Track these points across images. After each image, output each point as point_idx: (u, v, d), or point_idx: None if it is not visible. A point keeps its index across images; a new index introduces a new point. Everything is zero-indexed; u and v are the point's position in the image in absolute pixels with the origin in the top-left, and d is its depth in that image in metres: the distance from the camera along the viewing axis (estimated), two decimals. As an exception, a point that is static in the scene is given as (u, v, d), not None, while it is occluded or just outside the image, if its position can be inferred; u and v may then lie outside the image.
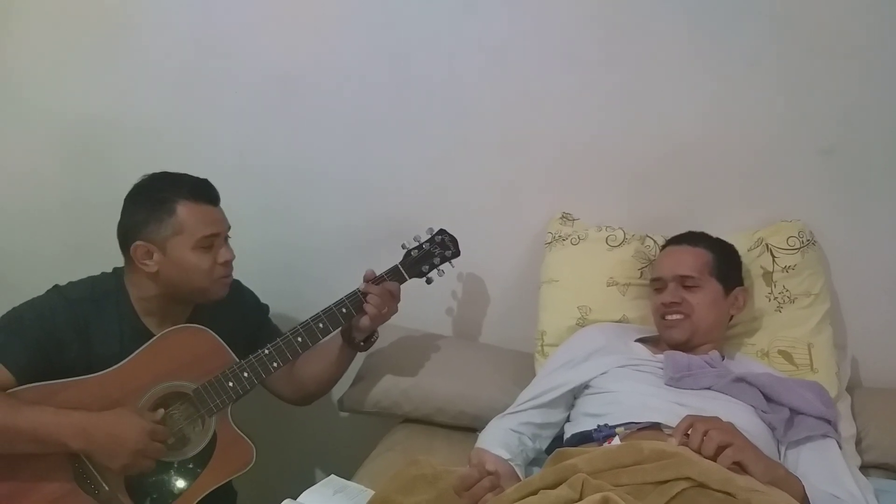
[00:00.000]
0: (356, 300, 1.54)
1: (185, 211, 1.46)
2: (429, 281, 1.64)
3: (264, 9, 1.85)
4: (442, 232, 1.66)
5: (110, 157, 1.96)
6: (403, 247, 1.63)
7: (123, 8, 1.90)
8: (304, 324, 1.52)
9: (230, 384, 1.48)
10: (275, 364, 1.50)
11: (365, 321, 1.54)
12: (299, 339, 1.52)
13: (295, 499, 1.31)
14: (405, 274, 1.61)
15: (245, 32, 1.87)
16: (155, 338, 1.47)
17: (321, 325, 1.53)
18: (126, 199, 1.50)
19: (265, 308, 1.72)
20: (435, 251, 1.63)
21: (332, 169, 1.91)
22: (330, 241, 1.94)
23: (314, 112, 1.89)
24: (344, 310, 1.54)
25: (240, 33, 1.87)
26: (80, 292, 1.49)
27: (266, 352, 1.50)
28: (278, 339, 1.51)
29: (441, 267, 1.65)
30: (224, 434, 1.49)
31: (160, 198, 1.46)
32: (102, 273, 1.55)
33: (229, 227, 1.54)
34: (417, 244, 1.63)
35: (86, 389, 1.43)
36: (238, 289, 1.66)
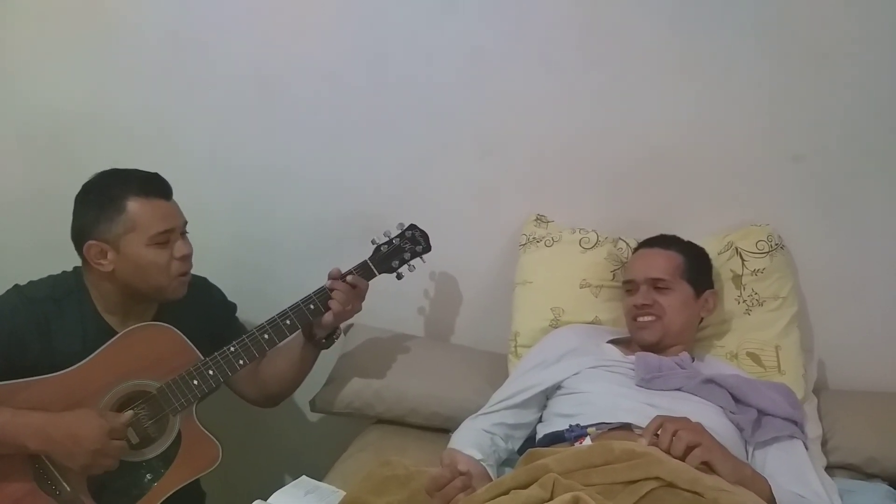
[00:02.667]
0: (324, 296, 1.53)
1: (136, 207, 1.43)
2: (399, 276, 1.63)
3: (241, 6, 1.84)
4: (412, 227, 1.64)
5: (80, 152, 1.93)
6: (373, 242, 1.62)
7: (100, 3, 1.87)
8: (271, 320, 1.50)
9: (195, 382, 1.45)
10: (241, 361, 1.48)
11: (328, 317, 1.53)
12: (266, 335, 1.49)
13: (265, 500, 1.30)
14: (374, 269, 1.59)
15: (221, 30, 1.85)
16: (117, 336, 1.44)
17: (288, 322, 1.50)
18: (76, 200, 1.47)
19: (232, 306, 1.70)
20: (405, 246, 1.62)
21: (307, 168, 1.90)
22: (303, 240, 1.93)
23: (290, 111, 1.88)
24: (312, 306, 1.52)
25: (216, 30, 1.85)
26: (41, 291, 1.47)
27: (232, 349, 1.48)
28: (244, 336, 1.49)
29: (412, 262, 1.63)
30: (189, 433, 1.47)
31: (109, 195, 1.43)
32: (63, 272, 1.52)
33: (185, 222, 1.51)
34: (387, 239, 1.62)
35: (47, 389, 1.40)
36: (205, 286, 1.64)
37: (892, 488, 1.50)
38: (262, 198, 1.93)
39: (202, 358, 1.47)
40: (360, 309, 1.58)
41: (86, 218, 1.45)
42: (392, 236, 1.62)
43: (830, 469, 1.54)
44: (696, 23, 1.70)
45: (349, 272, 1.56)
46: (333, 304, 1.52)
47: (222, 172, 1.91)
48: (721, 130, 1.75)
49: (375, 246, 1.61)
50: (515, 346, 1.74)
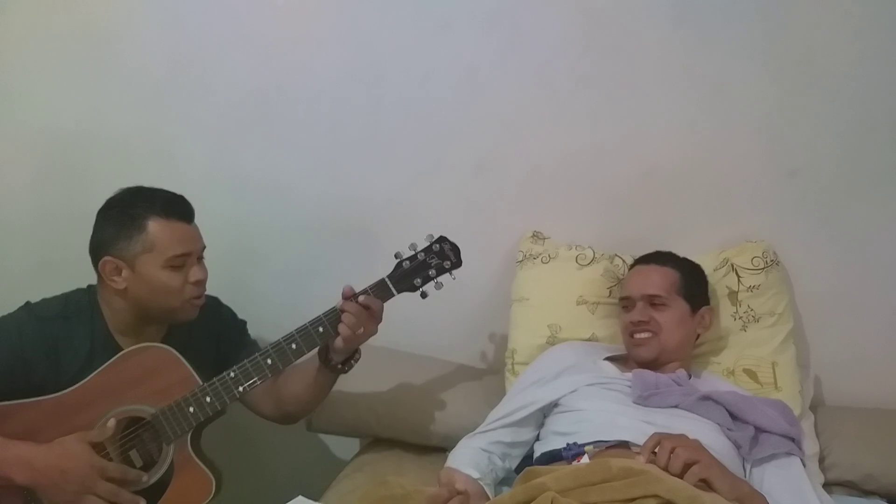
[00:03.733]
0: (334, 318, 1.42)
1: (156, 228, 1.41)
2: (423, 295, 1.46)
3: (239, 26, 1.85)
4: (442, 239, 1.48)
5: (81, 169, 1.93)
6: (396, 256, 1.46)
7: (97, 21, 1.89)
8: (276, 344, 1.42)
9: (191, 409, 1.39)
10: (240, 388, 1.40)
11: (338, 342, 1.41)
12: (269, 360, 1.41)
13: (262, 519, 1.29)
14: (392, 288, 1.44)
15: (219, 48, 1.86)
16: (115, 357, 1.41)
17: (294, 346, 1.41)
18: (98, 214, 1.46)
19: (241, 324, 1.66)
20: (431, 261, 1.46)
21: (303, 186, 1.91)
22: (300, 256, 1.93)
23: (287, 129, 1.89)
24: (321, 329, 1.42)
25: (214, 49, 1.86)
26: (52, 310, 1.45)
27: (231, 374, 1.41)
28: (245, 361, 1.41)
29: (439, 279, 1.47)
30: (182, 464, 1.40)
31: (131, 213, 1.42)
32: (76, 289, 1.51)
33: (204, 247, 1.49)
34: (412, 253, 1.46)
35: (41, 411, 1.38)
36: (215, 306, 1.62)
37: (889, 505, 1.51)
38: (260, 214, 1.93)
39: (200, 383, 1.41)
40: (374, 332, 1.45)
41: (105, 233, 1.43)
42: (418, 250, 1.47)
43: (828, 486, 1.54)
44: (690, 41, 1.72)
45: (363, 291, 1.44)
46: (342, 328, 1.40)
47: (220, 189, 1.91)
48: (716, 147, 1.76)
49: (398, 261, 1.46)
50: (512, 364, 1.74)
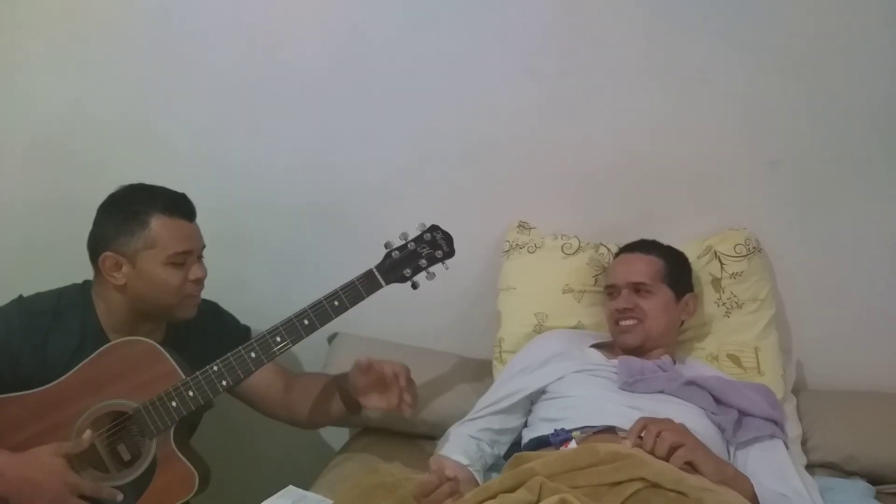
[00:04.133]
0: (320, 311, 1.40)
1: (158, 224, 1.41)
2: (414, 286, 1.43)
3: (225, 17, 1.84)
4: (434, 228, 1.44)
5: (67, 160, 1.91)
6: (386, 246, 1.43)
7: (83, 13, 1.86)
8: (259, 337, 1.40)
9: (173, 404, 1.36)
10: (224, 382, 1.38)
11: (373, 414, 1.40)
12: (252, 354, 1.39)
13: (253, 509, 1.30)
14: (381, 279, 1.41)
15: (205, 40, 1.85)
16: (97, 352, 1.39)
17: (279, 339, 1.39)
18: (99, 209, 1.45)
19: (244, 330, 1.64)
20: (423, 251, 1.42)
21: (290, 177, 1.90)
22: (285, 250, 1.93)
23: (273, 120, 1.88)
24: (306, 321, 1.39)
25: (200, 41, 1.85)
26: (43, 305, 1.44)
27: (215, 369, 1.38)
28: (229, 355, 1.39)
29: (431, 269, 1.44)
30: (165, 459, 1.38)
31: (134, 209, 1.41)
32: (71, 284, 1.50)
33: (204, 246, 1.48)
34: (402, 242, 1.43)
35: (23, 406, 1.38)
36: (216, 311, 1.60)
37: (870, 485, 1.53)
38: (246, 204, 1.93)
39: (183, 377, 1.38)
40: (410, 398, 1.42)
41: (106, 228, 1.42)
42: (408, 239, 1.43)
43: (810, 467, 1.57)
44: (673, 30, 1.74)
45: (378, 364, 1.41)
46: (371, 403, 1.40)
47: (206, 180, 1.89)
48: (699, 136, 1.78)
49: (387, 251, 1.43)
50: (500, 352, 1.76)
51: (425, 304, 1.91)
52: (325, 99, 1.86)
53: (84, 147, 1.91)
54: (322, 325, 1.40)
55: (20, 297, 1.46)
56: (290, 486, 1.40)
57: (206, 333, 1.54)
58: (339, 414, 1.52)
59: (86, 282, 1.50)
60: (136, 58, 1.87)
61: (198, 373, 1.39)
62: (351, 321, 1.87)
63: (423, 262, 1.43)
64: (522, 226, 1.85)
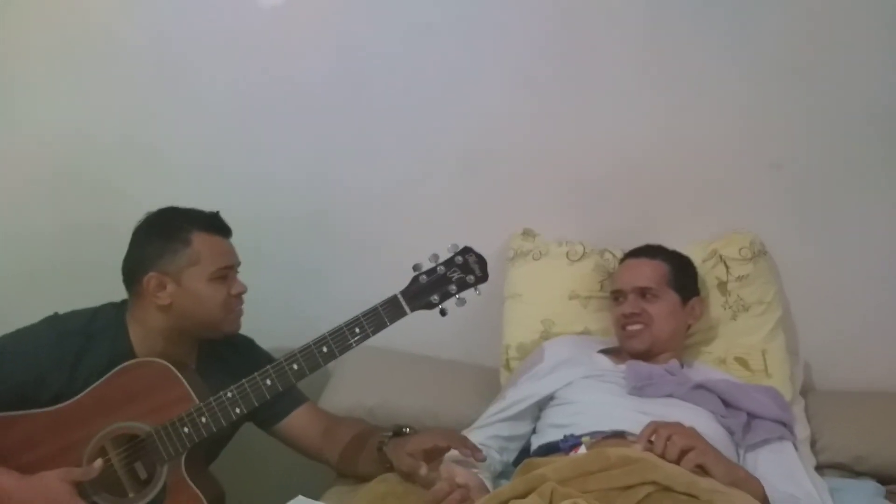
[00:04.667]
0: (339, 338, 1.34)
1: (200, 242, 1.42)
2: (443, 312, 1.35)
3: (225, 31, 1.86)
4: (466, 251, 1.35)
5: (67, 175, 1.92)
6: (415, 268, 1.34)
7: (83, 26, 1.88)
8: (276, 364, 1.36)
9: (185, 430, 1.34)
10: (237, 409, 1.34)
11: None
12: (268, 381, 1.35)
13: (262, 520, 1.30)
14: (406, 306, 1.33)
15: (205, 54, 1.86)
16: (112, 371, 1.38)
17: (295, 367, 1.35)
18: (137, 232, 1.46)
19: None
20: (453, 276, 1.33)
21: (292, 190, 1.91)
22: (289, 262, 1.93)
23: (274, 134, 1.89)
24: (325, 349, 1.34)
25: (200, 55, 1.86)
26: (76, 324, 1.43)
27: (229, 395, 1.35)
28: (244, 381, 1.36)
29: (461, 295, 1.35)
30: (174, 486, 1.36)
31: (175, 227, 1.43)
32: (108, 304, 1.49)
33: (240, 262, 1.50)
34: (432, 265, 1.34)
35: (38, 424, 1.37)
36: (250, 346, 1.59)
37: (880, 484, 1.53)
38: (247, 217, 1.90)
39: (197, 402, 1.36)
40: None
41: (148, 250, 1.43)
42: (438, 262, 1.34)
43: (820, 468, 1.56)
44: (669, 38, 1.76)
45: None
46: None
47: (206, 193, 1.88)
48: (699, 141, 1.79)
49: (415, 274, 1.34)
50: (507, 359, 1.76)
51: (431, 313, 1.92)
52: (325, 112, 1.87)
53: (83, 161, 1.92)
54: (341, 353, 1.35)
55: (55, 314, 1.46)
56: (300, 497, 1.40)
57: (235, 364, 1.50)
58: (371, 470, 1.42)
59: (123, 301, 1.49)
60: (137, 72, 1.89)
61: (211, 399, 1.36)
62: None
63: (453, 287, 1.34)
64: (527, 233, 1.86)
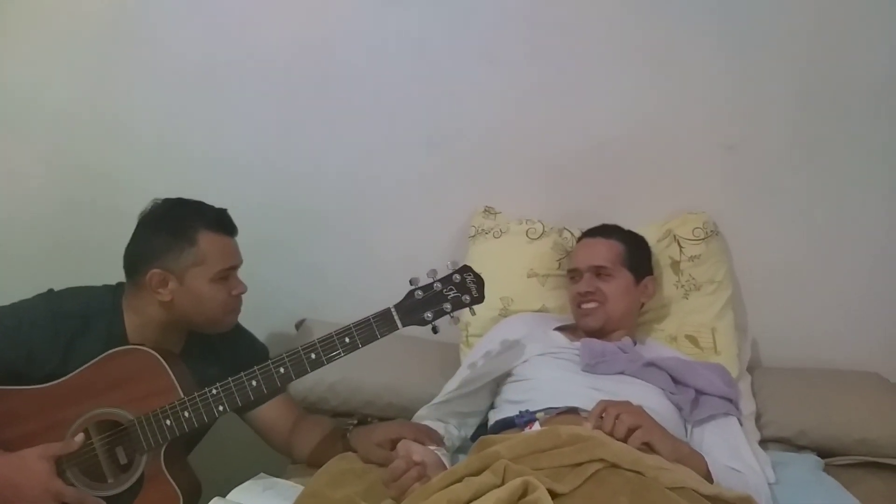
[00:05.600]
0: (329, 346, 1.33)
1: (205, 241, 1.41)
2: (435, 330, 1.34)
3: (185, 3, 1.82)
4: (465, 269, 1.34)
5: (20, 145, 1.88)
6: (411, 283, 1.34)
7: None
8: (263, 367, 1.35)
9: (167, 423, 1.34)
10: (220, 407, 1.35)
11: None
12: (254, 382, 1.34)
13: (224, 497, 1.31)
14: (398, 321, 1.33)
15: (167, 20, 1.83)
16: (102, 356, 1.37)
17: (282, 370, 1.34)
18: (142, 225, 1.44)
19: (261, 350, 1.60)
20: (449, 294, 1.32)
21: (252, 162, 1.90)
22: (249, 234, 1.91)
23: (236, 103, 1.87)
24: (313, 355, 1.33)
25: (160, 22, 1.83)
26: (72, 305, 1.41)
27: (213, 392, 1.35)
28: (229, 380, 1.35)
29: (455, 314, 1.34)
30: (152, 476, 1.36)
31: (182, 226, 1.41)
32: (103, 286, 1.47)
33: (241, 262, 1.48)
34: (428, 282, 1.33)
35: (24, 399, 1.37)
36: (250, 340, 1.59)
37: (820, 458, 1.60)
38: (207, 191, 1.89)
39: (181, 396, 1.36)
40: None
41: (153, 245, 1.41)
42: (435, 278, 1.33)
43: (764, 443, 1.63)
44: (631, 19, 1.77)
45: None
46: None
47: (167, 165, 1.88)
48: (658, 122, 1.82)
49: (410, 289, 1.34)
50: (466, 336, 1.79)
51: (390, 290, 1.93)
52: (286, 83, 1.85)
53: (40, 132, 1.87)
54: (329, 362, 1.34)
55: (50, 291, 1.44)
56: (261, 474, 1.42)
57: (222, 350, 1.51)
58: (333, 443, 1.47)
59: (119, 284, 1.47)
60: (95, 41, 1.84)
61: (196, 394, 1.36)
62: (318, 306, 1.89)
63: (448, 305, 1.33)
64: (488, 211, 1.87)
